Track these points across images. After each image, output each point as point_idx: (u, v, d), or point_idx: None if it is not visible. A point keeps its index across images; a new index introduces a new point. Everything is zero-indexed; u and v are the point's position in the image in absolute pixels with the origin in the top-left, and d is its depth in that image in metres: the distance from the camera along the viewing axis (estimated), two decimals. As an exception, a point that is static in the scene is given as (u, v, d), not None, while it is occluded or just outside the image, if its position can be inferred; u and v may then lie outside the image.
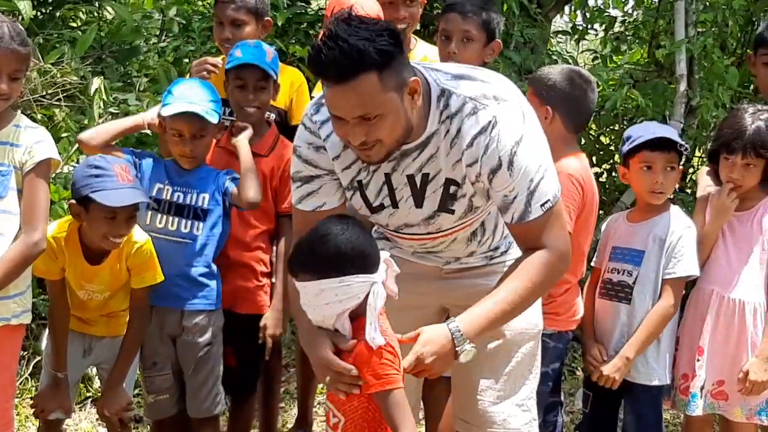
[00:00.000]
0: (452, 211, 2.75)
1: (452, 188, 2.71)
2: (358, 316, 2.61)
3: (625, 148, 3.76)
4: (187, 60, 6.17)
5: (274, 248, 3.79)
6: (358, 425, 2.63)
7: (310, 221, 2.73)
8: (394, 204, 2.77)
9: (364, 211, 2.82)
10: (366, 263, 2.59)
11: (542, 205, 2.67)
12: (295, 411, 4.61)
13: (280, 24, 6.26)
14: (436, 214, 2.76)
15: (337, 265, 2.54)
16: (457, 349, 2.61)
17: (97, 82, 5.30)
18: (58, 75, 5.45)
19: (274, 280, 3.79)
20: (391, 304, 2.73)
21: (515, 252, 2.90)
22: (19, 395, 4.72)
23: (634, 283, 3.68)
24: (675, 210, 3.77)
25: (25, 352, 4.90)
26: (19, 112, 3.32)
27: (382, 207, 2.78)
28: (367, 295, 2.58)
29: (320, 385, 4.81)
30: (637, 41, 7.71)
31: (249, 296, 3.71)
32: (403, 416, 2.60)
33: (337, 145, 2.71)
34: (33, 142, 3.26)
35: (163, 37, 6.60)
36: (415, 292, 2.97)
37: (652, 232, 3.70)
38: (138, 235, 3.54)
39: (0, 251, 3.20)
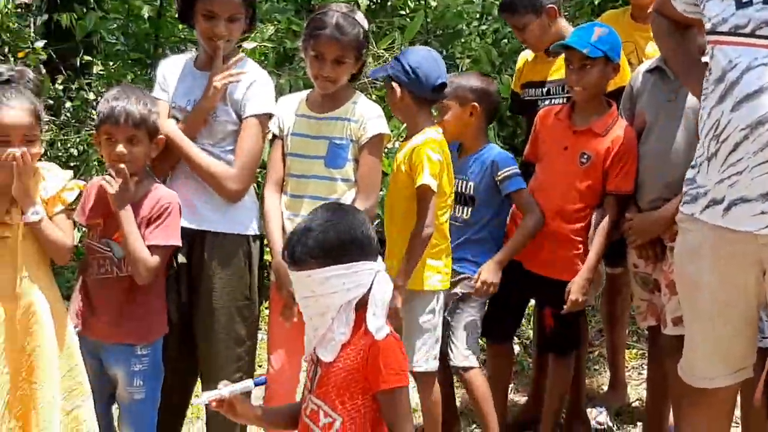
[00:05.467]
0: None
1: None
2: (361, 306, 2.51)
3: None
4: (505, 41, 6.47)
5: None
6: (359, 426, 2.48)
7: None
8: None
9: (728, 11, 2.86)
10: (371, 250, 2.52)
11: None
12: (608, 374, 4.82)
13: None
14: None
15: (346, 251, 2.46)
16: None
17: (425, 65, 5.69)
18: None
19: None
20: (708, 309, 2.87)
21: None
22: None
23: None
24: None
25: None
26: (358, 91, 3.69)
27: (751, 3, 2.82)
28: (371, 284, 2.50)
29: (627, 351, 4.95)
30: None
31: (567, 264, 3.96)
32: (407, 416, 2.52)
33: None
34: (367, 118, 3.60)
35: (484, 20, 6.92)
36: (728, 284, 2.97)
37: None
38: None
39: None
